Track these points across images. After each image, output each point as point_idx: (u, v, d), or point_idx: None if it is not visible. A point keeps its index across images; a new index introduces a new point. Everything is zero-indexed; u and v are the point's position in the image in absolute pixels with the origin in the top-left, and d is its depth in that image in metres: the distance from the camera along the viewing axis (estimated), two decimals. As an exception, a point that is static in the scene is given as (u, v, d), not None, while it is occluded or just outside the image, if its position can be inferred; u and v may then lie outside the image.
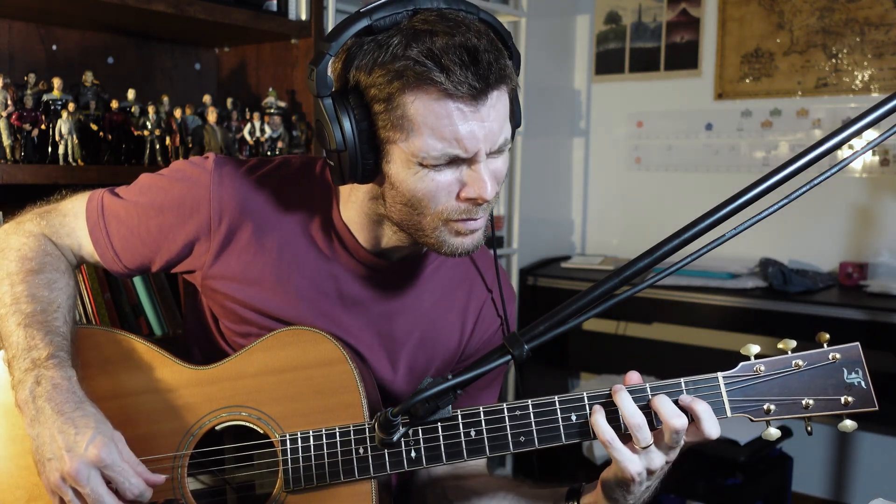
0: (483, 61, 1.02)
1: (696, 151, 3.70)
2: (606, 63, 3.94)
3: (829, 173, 0.99)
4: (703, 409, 1.07)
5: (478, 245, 1.15)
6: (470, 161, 1.07)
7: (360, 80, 1.07)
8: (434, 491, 1.35)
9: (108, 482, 1.06)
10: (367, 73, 1.06)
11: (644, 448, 1.07)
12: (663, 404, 1.07)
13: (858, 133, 0.98)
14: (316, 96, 1.08)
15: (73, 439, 1.05)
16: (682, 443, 1.09)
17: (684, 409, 1.07)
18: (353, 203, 1.21)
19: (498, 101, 1.06)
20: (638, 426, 1.06)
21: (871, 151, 3.23)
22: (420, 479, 1.38)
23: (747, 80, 3.54)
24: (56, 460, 1.06)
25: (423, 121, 1.04)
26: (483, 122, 1.05)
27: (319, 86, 1.06)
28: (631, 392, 1.09)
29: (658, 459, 1.08)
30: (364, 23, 1.05)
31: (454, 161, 1.07)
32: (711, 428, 1.07)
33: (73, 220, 1.30)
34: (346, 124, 1.07)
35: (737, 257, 3.37)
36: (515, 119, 1.16)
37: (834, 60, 3.34)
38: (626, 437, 1.08)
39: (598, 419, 1.08)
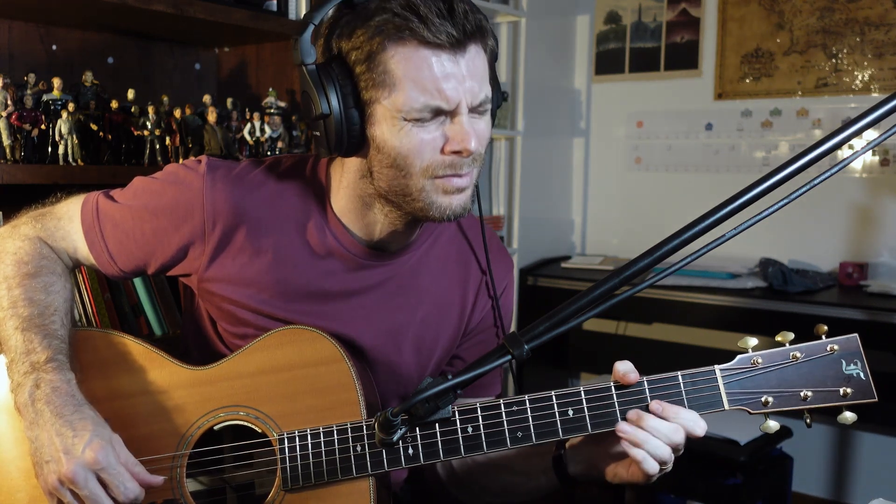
0: (458, 10, 1.07)
1: (696, 151, 3.70)
2: (606, 63, 3.94)
3: (829, 173, 0.99)
4: (686, 417, 1.08)
5: (466, 207, 1.16)
6: (452, 113, 1.09)
7: (342, 48, 1.11)
8: (453, 482, 1.37)
9: (104, 485, 1.06)
10: (347, 38, 1.10)
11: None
12: (684, 416, 1.08)
13: (858, 133, 0.98)
14: (299, 65, 1.10)
15: (70, 441, 1.06)
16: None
17: (665, 418, 1.08)
18: (344, 188, 1.22)
19: (476, 57, 1.10)
20: (668, 458, 1.07)
21: (871, 151, 3.23)
22: (438, 475, 1.38)
23: (747, 80, 3.54)
24: (53, 463, 1.06)
25: (405, 73, 1.07)
26: (463, 75, 1.08)
27: (303, 54, 1.10)
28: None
29: (671, 464, 1.10)
30: None
31: (437, 114, 1.09)
32: (696, 428, 1.08)
33: (67, 223, 1.30)
34: (331, 89, 1.10)
35: (737, 257, 3.37)
36: (496, 92, 1.18)
37: (834, 60, 3.34)
38: None
39: (633, 439, 1.08)
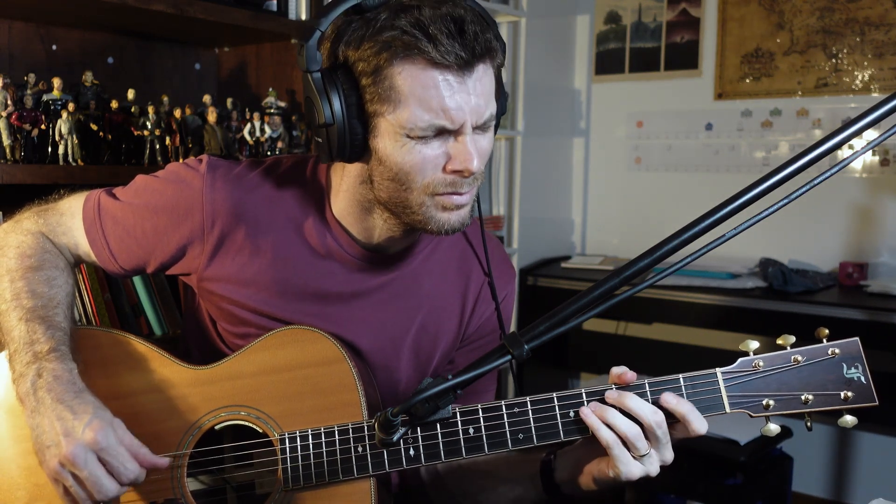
0: (469, 32, 1.04)
1: (696, 151, 3.70)
2: (606, 63, 3.94)
3: (829, 173, 0.99)
4: (687, 409, 1.07)
5: (464, 223, 1.15)
6: (456, 133, 1.08)
7: (348, 56, 1.09)
8: (435, 486, 1.36)
9: (105, 465, 1.07)
10: (355, 48, 1.08)
11: (643, 456, 1.07)
12: (637, 405, 1.06)
13: (858, 133, 0.98)
14: (305, 71, 1.09)
15: (70, 424, 1.06)
16: (670, 440, 1.09)
17: (668, 412, 1.07)
18: (343, 192, 1.22)
19: (484, 75, 1.08)
20: (636, 436, 1.06)
21: (871, 151, 3.23)
22: (420, 478, 1.37)
23: (747, 80, 3.54)
24: (54, 446, 1.06)
25: (411, 91, 1.05)
26: (469, 95, 1.06)
27: (309, 61, 1.08)
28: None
29: (656, 464, 1.08)
30: (354, 0, 1.07)
31: (440, 133, 1.08)
32: (699, 426, 1.07)
33: (69, 219, 1.30)
34: (335, 98, 1.08)
35: (737, 257, 3.37)
36: (501, 101, 1.17)
37: (834, 60, 3.34)
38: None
39: (597, 422, 1.07)
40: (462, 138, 1.08)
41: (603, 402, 1.09)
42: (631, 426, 1.06)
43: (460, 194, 1.12)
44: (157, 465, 1.11)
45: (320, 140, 1.12)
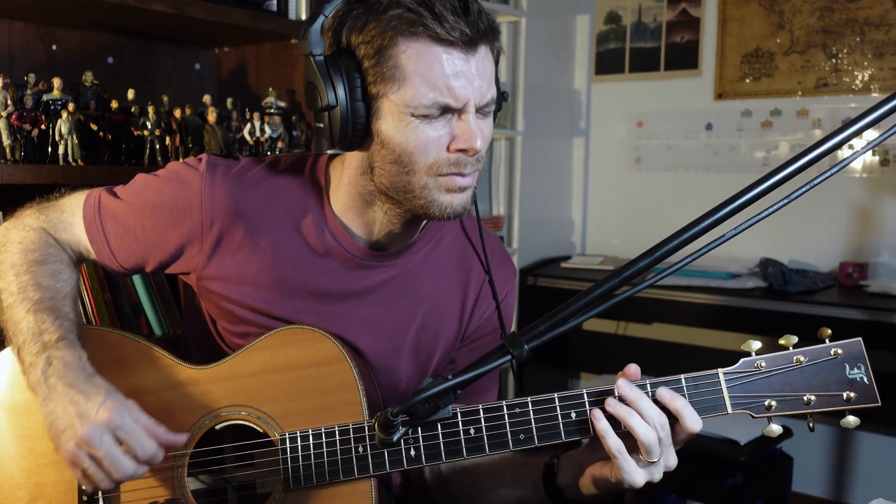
0: (473, 10, 1.07)
1: (696, 151, 3.70)
2: (606, 63, 3.94)
3: (829, 173, 0.99)
4: (682, 405, 1.06)
5: (466, 207, 1.16)
6: (460, 112, 1.09)
7: (351, 41, 1.10)
8: (439, 487, 1.36)
9: (122, 444, 1.06)
10: (358, 31, 1.09)
11: (652, 462, 1.06)
12: (646, 406, 1.06)
13: (858, 133, 0.98)
14: (307, 55, 1.10)
15: (84, 406, 1.06)
16: (672, 442, 1.08)
17: (663, 406, 1.06)
18: (344, 186, 1.22)
19: (486, 57, 1.11)
20: (652, 443, 1.04)
21: (871, 151, 3.23)
22: (424, 479, 1.37)
23: (747, 80, 3.54)
24: (69, 429, 1.06)
25: (415, 69, 1.06)
26: (473, 75, 1.08)
27: (312, 45, 1.09)
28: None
29: (661, 470, 1.08)
30: None
31: (444, 112, 1.09)
32: (693, 422, 1.06)
33: (70, 216, 1.30)
34: (338, 80, 1.09)
35: (737, 257, 3.37)
36: (500, 93, 1.18)
37: (834, 60, 3.34)
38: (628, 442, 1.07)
39: (606, 428, 1.06)
40: (466, 117, 1.10)
41: (607, 400, 1.08)
42: (649, 432, 1.04)
43: (463, 175, 1.12)
44: (172, 442, 1.11)
45: (322, 125, 1.12)
